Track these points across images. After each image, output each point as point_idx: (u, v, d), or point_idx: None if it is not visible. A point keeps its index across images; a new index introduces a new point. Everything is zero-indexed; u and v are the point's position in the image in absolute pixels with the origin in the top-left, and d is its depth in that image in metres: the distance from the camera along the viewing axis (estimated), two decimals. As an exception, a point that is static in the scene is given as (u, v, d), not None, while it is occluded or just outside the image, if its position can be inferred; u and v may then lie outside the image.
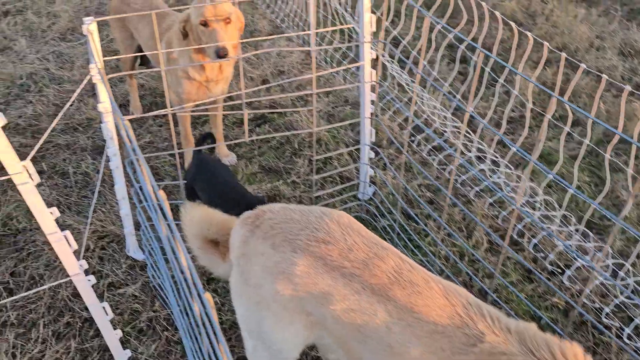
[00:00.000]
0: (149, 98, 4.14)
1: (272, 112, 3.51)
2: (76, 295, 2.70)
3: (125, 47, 3.54)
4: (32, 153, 1.79)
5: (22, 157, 1.67)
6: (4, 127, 1.62)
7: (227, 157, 3.54)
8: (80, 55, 4.55)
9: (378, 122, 3.10)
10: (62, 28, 4.94)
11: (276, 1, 5.29)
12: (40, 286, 2.76)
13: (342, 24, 4.59)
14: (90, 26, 2.05)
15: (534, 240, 2.85)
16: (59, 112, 3.93)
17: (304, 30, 4.79)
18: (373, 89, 2.78)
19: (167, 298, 2.62)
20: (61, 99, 4.04)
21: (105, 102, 2.33)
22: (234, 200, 2.47)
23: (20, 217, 3.12)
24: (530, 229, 2.98)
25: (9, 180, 3.36)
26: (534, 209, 2.97)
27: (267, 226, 1.63)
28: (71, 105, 3.99)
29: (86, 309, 2.65)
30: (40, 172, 3.44)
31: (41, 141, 1.79)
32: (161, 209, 1.46)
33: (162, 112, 2.46)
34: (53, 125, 1.84)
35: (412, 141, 3.65)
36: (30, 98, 4.06)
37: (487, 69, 2.89)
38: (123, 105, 4.02)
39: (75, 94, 2.01)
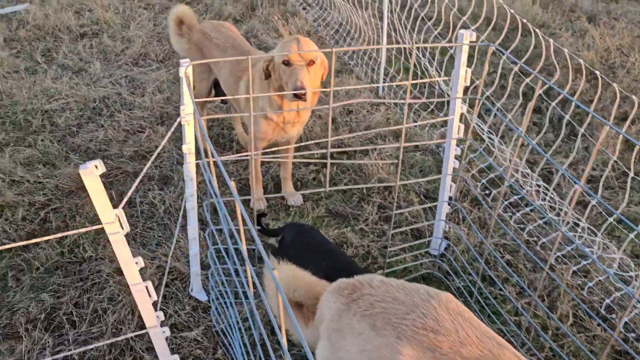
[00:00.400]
0: (215, 129, 4.12)
1: (354, 163, 3.40)
2: (138, 335, 2.63)
3: (201, 80, 3.53)
4: (124, 201, 1.73)
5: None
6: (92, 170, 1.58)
7: (293, 197, 3.46)
8: (151, 82, 4.59)
9: (465, 182, 2.95)
10: (135, 53, 5.02)
11: (345, 38, 5.26)
12: (104, 320, 2.71)
13: (415, 65, 4.50)
14: (187, 69, 2.02)
15: (625, 319, 2.63)
16: (129, 138, 3.95)
17: (373, 69, 4.72)
18: (459, 144, 2.66)
19: (232, 347, 2.52)
20: (131, 125, 4.07)
21: (190, 143, 2.28)
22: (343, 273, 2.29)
23: (87, 245, 3.10)
24: (621, 304, 2.75)
25: (78, 206, 3.37)
26: (625, 282, 2.75)
27: (366, 302, 1.51)
28: (141, 132, 4.01)
29: (147, 349, 2.57)
30: (107, 199, 3.44)
31: (131, 190, 1.74)
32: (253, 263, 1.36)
33: (243, 155, 2.39)
34: (144, 172, 1.79)
35: (487, 195, 3.48)
36: (102, 122, 4.10)
37: (583, 130, 2.72)
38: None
39: (165, 140, 1.96)
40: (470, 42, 2.33)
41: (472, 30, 2.40)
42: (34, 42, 5.14)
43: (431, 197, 3.52)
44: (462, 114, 2.59)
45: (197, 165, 2.51)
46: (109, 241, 3.14)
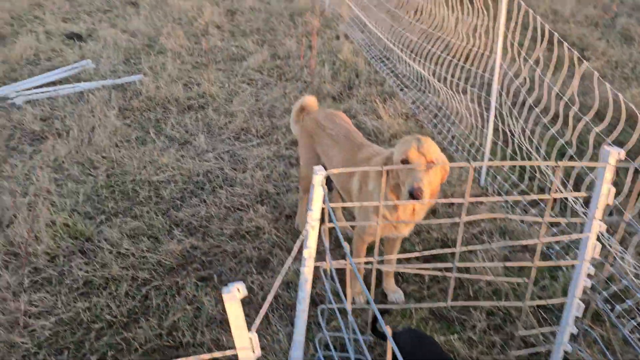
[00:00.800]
0: (313, 211, 4.07)
1: (484, 279, 3.23)
2: None
3: (308, 167, 3.53)
4: (257, 322, 1.66)
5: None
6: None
7: (394, 293, 3.31)
8: (252, 158, 4.68)
9: (597, 304, 2.69)
10: (237, 127, 5.17)
11: (444, 122, 5.18)
12: (199, 417, 2.61)
13: (524, 158, 4.31)
14: (322, 179, 1.98)
15: None
16: (229, 215, 3.98)
17: (475, 157, 4.57)
18: (596, 266, 2.43)
19: None
20: (232, 202, 4.12)
21: (311, 248, 2.21)
22: None
23: (185, 329, 3.06)
24: None
25: (179, 285, 3.37)
26: None
27: None
28: (241, 210, 4.03)
29: None
30: (204, 279, 3.43)
31: (262, 313, 1.67)
32: None
33: (368, 260, 2.29)
34: (273, 292, 1.72)
35: (611, 309, 3.16)
36: (204, 197, 4.18)
37: None
38: (289, 217, 3.98)
39: (290, 259, 1.90)
40: (618, 161, 2.16)
41: (614, 146, 2.23)
42: (145, 113, 5.42)
43: (541, 306, 3.25)
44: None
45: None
46: (207, 326, 3.10)
